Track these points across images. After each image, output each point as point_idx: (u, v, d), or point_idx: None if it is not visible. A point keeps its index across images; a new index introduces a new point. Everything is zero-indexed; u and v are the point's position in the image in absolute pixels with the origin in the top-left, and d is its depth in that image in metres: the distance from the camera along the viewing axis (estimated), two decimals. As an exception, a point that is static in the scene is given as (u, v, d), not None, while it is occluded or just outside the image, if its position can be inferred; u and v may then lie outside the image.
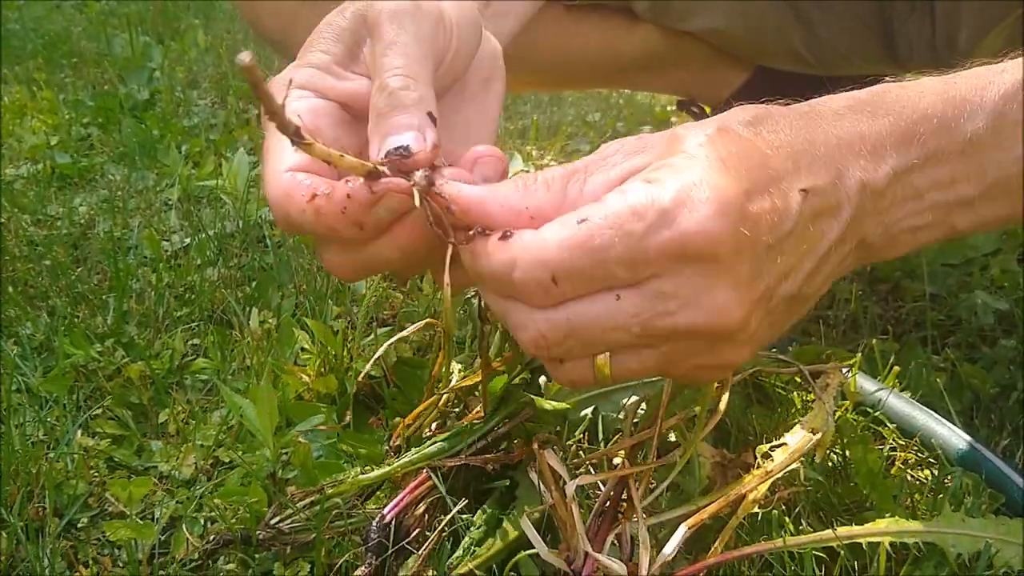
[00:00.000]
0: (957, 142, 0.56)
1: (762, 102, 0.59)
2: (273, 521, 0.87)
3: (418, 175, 0.57)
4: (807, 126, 0.56)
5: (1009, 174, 0.57)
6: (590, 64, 1.39)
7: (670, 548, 0.74)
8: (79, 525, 0.99)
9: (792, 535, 0.82)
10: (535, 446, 0.77)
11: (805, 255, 0.55)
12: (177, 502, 0.99)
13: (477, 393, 0.95)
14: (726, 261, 0.50)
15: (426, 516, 0.88)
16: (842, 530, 0.79)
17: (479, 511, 0.87)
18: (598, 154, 0.57)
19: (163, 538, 0.97)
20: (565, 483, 0.76)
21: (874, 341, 1.12)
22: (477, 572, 0.81)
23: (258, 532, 0.86)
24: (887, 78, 0.61)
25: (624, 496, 0.81)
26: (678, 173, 0.51)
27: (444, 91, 0.69)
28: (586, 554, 0.73)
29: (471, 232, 0.55)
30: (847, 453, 0.95)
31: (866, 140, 0.56)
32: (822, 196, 0.54)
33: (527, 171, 1.76)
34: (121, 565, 0.93)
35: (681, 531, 0.75)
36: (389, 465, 0.89)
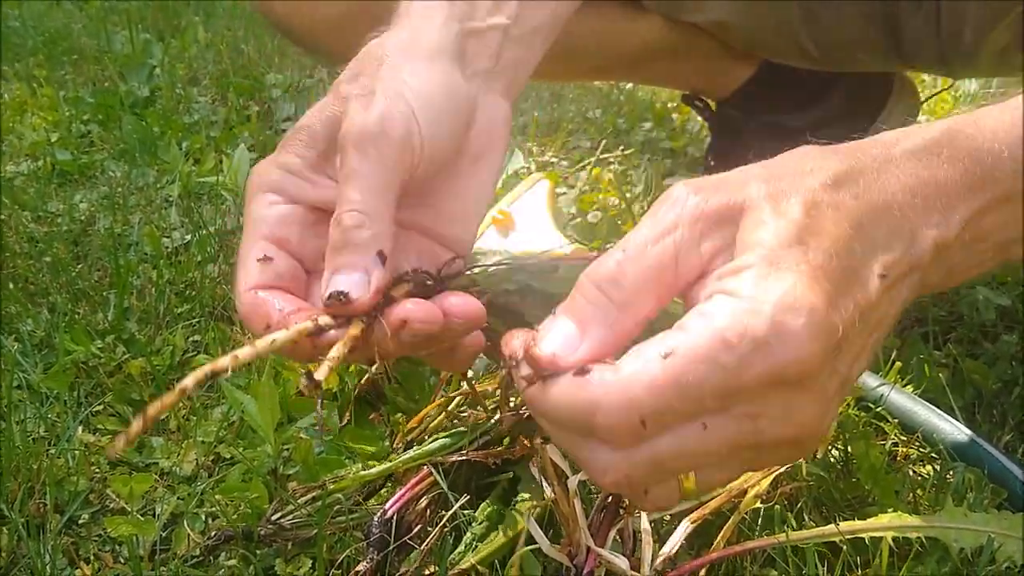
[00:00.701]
0: (1019, 178, 0.54)
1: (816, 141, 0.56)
2: (274, 517, 0.87)
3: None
4: (882, 180, 0.53)
5: None
6: (593, 55, 1.38)
7: (672, 543, 0.74)
8: (80, 521, 0.99)
9: (794, 530, 0.82)
10: (538, 441, 0.77)
11: (876, 330, 0.52)
12: (178, 498, 0.99)
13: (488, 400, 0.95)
14: (818, 379, 0.48)
15: (428, 511, 0.88)
16: (844, 525, 0.79)
17: (481, 506, 0.87)
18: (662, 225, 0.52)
19: (164, 534, 0.97)
20: (567, 478, 0.76)
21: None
22: (479, 567, 0.81)
23: (259, 528, 0.86)
24: (954, 115, 0.57)
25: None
26: (767, 287, 0.48)
27: (428, 178, 0.70)
28: (588, 549, 0.73)
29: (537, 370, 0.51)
30: (849, 448, 0.94)
31: (941, 191, 0.53)
32: (897, 268, 0.52)
33: (527, 168, 1.76)
34: (122, 561, 0.93)
35: (684, 526, 0.75)
36: (391, 461, 0.89)
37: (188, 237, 1.55)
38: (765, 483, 0.82)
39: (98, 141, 2.01)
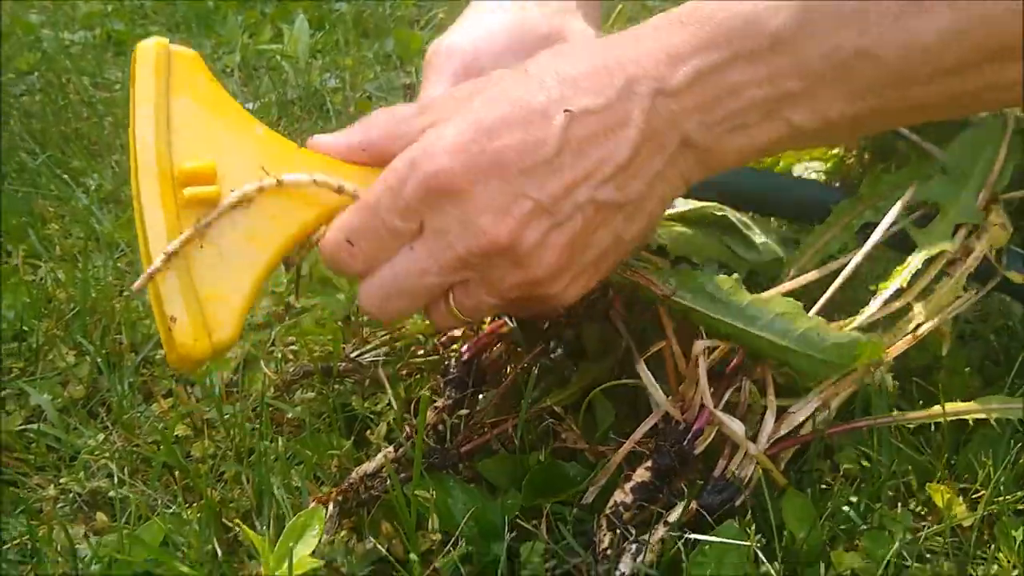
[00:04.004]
0: (764, 37, 0.56)
1: None
2: (353, 355, 0.88)
3: None
4: (600, 52, 0.61)
5: (834, 65, 0.56)
6: None
7: (799, 414, 0.74)
8: (155, 360, 1.01)
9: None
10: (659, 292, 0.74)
11: (594, 170, 0.58)
12: (251, 345, 1.01)
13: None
14: (470, 190, 0.57)
15: (502, 358, 0.88)
16: (950, 407, 0.78)
17: (554, 355, 0.87)
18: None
19: (235, 378, 0.98)
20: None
21: None
22: (556, 409, 0.82)
23: (339, 364, 0.87)
24: None
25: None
26: (436, 131, 0.59)
27: None
28: (702, 407, 0.72)
29: None
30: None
31: (666, 51, 0.59)
32: (599, 116, 0.58)
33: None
34: (197, 399, 0.95)
35: (811, 403, 0.74)
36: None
37: (248, 106, 1.55)
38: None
39: (152, 14, 2.00)
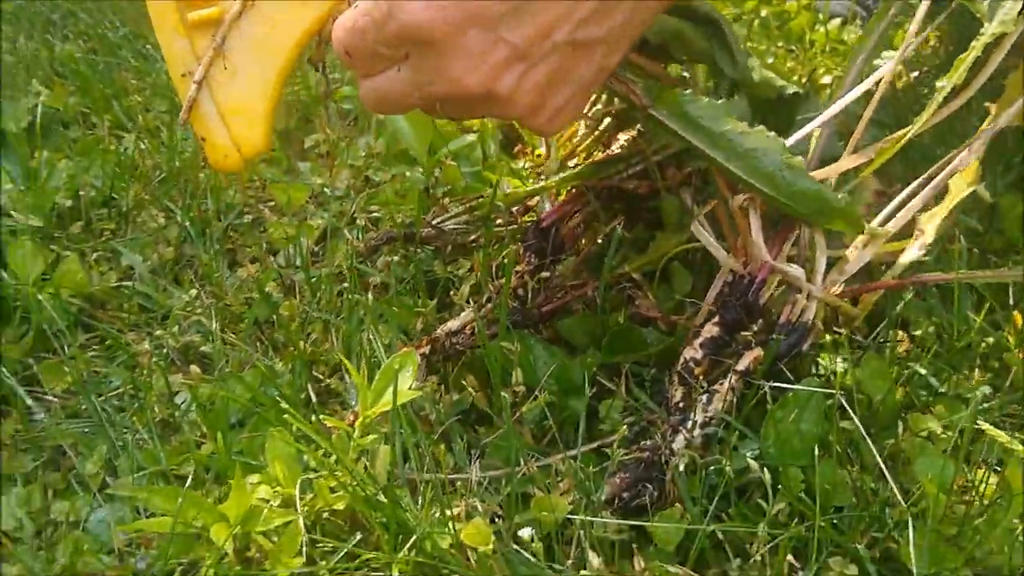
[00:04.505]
0: None
1: None
2: (435, 221, 0.90)
3: None
4: None
5: None
6: None
7: (848, 269, 0.75)
8: (239, 229, 1.03)
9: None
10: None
11: (571, 10, 0.58)
12: (332, 216, 1.03)
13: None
14: (446, 41, 0.57)
15: (579, 227, 0.90)
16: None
17: (631, 228, 0.89)
18: None
19: (316, 248, 1.01)
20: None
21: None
22: (634, 275, 0.84)
23: (421, 230, 0.89)
24: None
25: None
26: None
27: None
28: (762, 260, 0.74)
29: None
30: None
31: None
32: None
33: None
34: (282, 265, 0.98)
35: (862, 254, 0.75)
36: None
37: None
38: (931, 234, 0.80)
39: None
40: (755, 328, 0.72)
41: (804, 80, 1.27)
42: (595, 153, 0.96)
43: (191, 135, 1.14)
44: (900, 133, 0.75)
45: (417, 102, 0.62)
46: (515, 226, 0.92)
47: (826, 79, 1.28)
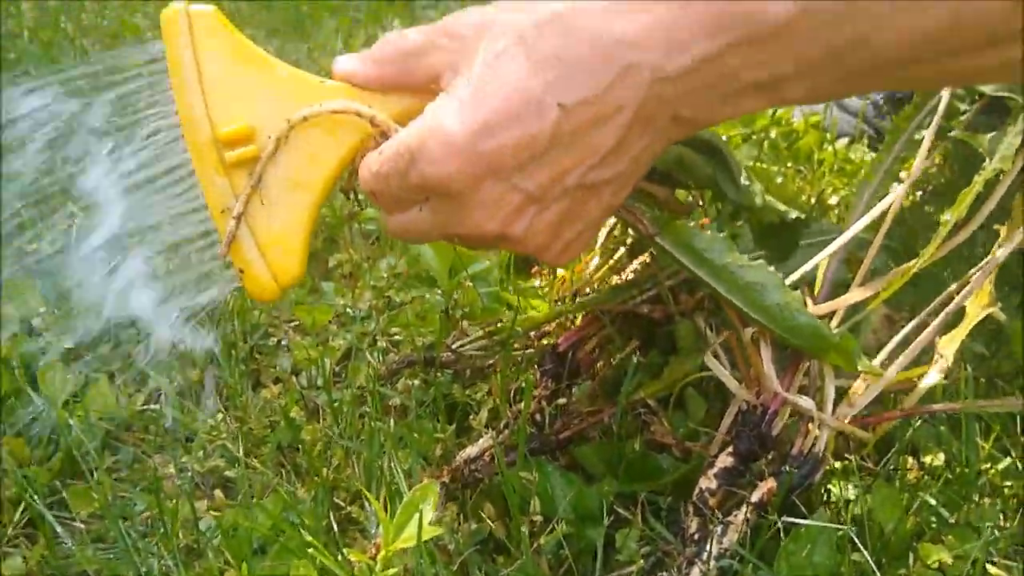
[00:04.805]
0: (766, 26, 0.56)
1: None
2: (454, 346, 0.92)
3: None
4: (600, 28, 0.58)
5: (831, 52, 0.56)
6: None
7: (858, 403, 0.77)
8: (263, 351, 1.06)
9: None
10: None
11: (583, 158, 0.60)
12: (354, 337, 1.06)
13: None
14: (465, 192, 0.60)
15: (595, 352, 0.92)
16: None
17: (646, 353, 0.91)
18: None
19: (338, 369, 1.03)
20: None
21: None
22: (649, 402, 0.85)
23: (441, 354, 0.92)
24: None
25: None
26: (434, 110, 0.60)
27: None
28: (773, 391, 0.76)
29: None
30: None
31: (667, 35, 0.58)
32: (593, 106, 0.58)
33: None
34: (304, 386, 1.00)
35: (873, 388, 0.77)
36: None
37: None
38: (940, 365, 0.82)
39: (248, 16, 2.08)
40: (768, 458, 0.74)
41: (813, 201, 1.31)
42: (610, 279, 0.99)
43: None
44: (908, 265, 0.78)
45: (438, 237, 0.66)
46: (532, 350, 0.95)
47: (833, 199, 1.32)
